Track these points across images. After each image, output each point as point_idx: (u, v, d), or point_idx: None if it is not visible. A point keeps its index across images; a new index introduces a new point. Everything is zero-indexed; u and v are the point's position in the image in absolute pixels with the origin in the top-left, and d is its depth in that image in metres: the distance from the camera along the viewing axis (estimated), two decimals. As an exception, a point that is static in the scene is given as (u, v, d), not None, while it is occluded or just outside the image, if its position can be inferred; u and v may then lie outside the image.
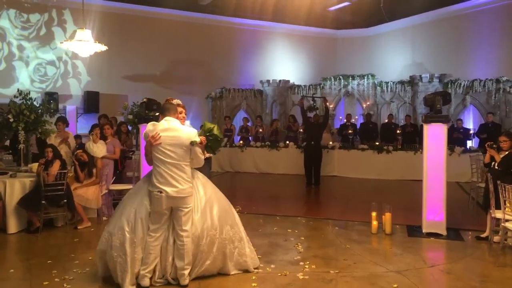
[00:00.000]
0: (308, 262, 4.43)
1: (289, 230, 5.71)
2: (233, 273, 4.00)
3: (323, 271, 4.23)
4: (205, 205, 3.89)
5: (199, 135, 3.84)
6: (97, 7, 11.87)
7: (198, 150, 3.74)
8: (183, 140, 3.71)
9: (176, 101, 4.02)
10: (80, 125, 11.88)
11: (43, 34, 12.23)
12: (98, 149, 6.46)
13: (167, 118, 3.81)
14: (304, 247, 5.01)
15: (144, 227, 3.71)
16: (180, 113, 3.97)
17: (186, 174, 3.74)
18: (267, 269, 4.26)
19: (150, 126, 3.80)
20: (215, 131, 3.89)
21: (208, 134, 3.88)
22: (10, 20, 11.76)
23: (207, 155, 4.12)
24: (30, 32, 12.03)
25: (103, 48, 8.87)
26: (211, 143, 3.89)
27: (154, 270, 3.76)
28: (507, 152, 5.23)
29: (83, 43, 8.57)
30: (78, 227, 5.77)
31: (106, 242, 3.77)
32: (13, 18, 11.80)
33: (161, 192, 3.64)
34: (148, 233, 3.71)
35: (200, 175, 4.04)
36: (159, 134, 3.68)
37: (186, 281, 3.75)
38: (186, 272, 3.74)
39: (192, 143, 3.69)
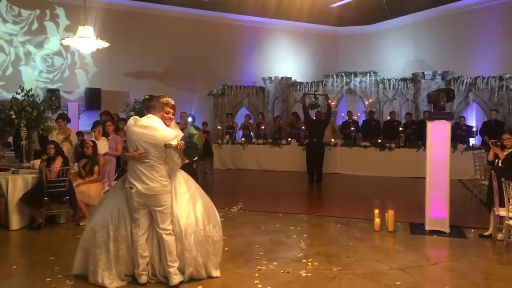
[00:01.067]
0: (310, 260, 4.42)
1: (291, 227, 5.70)
2: (214, 275, 3.88)
3: (326, 268, 4.22)
4: (188, 201, 3.81)
5: (181, 139, 3.69)
6: (99, 3, 11.84)
7: (174, 154, 3.63)
8: (158, 141, 3.60)
9: (166, 100, 3.80)
10: (82, 122, 11.89)
11: (45, 30, 12.23)
12: (100, 145, 6.46)
13: (149, 115, 3.71)
14: (307, 244, 5.00)
15: (127, 225, 3.73)
16: (167, 113, 3.79)
17: (159, 173, 3.65)
18: (270, 266, 4.24)
19: (131, 120, 3.76)
20: (195, 139, 3.70)
21: (188, 140, 3.70)
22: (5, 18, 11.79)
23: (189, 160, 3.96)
24: (22, 26, 12.02)
25: (105, 44, 8.85)
26: (189, 150, 3.72)
27: (151, 267, 3.78)
28: (510, 150, 5.20)
29: (85, 40, 8.54)
30: (81, 224, 5.76)
31: (89, 239, 3.76)
32: (5, 14, 11.81)
33: (131, 188, 3.64)
34: (132, 231, 3.73)
35: (183, 173, 3.94)
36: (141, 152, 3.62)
37: (175, 281, 3.66)
38: (172, 270, 3.66)
39: (166, 146, 3.58)
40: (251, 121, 12.91)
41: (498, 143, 5.36)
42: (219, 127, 12.74)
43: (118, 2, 12.82)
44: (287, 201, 7.78)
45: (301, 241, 5.11)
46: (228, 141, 11.88)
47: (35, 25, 12.16)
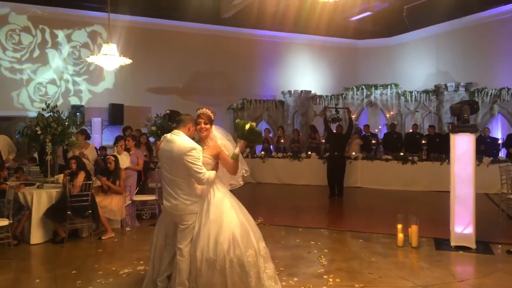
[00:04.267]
0: (332, 276, 4.34)
1: (312, 242, 5.63)
2: None
3: (348, 285, 4.13)
4: (207, 226, 3.47)
5: (239, 137, 3.62)
6: (123, 22, 12.17)
7: (192, 167, 3.39)
8: (174, 154, 3.44)
9: (199, 111, 3.67)
10: (105, 137, 12.12)
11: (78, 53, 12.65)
12: (122, 160, 6.56)
13: (174, 131, 3.59)
14: (328, 259, 4.92)
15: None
16: (198, 124, 3.62)
17: (183, 191, 3.49)
18: (290, 282, 4.19)
19: (162, 138, 3.75)
20: (245, 128, 3.60)
21: (242, 134, 3.60)
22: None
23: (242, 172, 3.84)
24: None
25: (128, 61, 9.06)
26: (251, 141, 3.71)
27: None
28: (539, 163, 5.04)
29: (109, 57, 8.77)
30: (102, 238, 5.83)
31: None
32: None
33: (162, 204, 3.66)
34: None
35: (221, 192, 3.65)
36: (160, 144, 3.65)
37: None
38: None
39: (233, 158, 3.57)
40: (270, 135, 12.92)
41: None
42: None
43: (139, 20, 13.13)
44: (308, 215, 7.70)
45: (322, 256, 5.03)
46: (248, 155, 11.89)
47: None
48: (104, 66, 9.28)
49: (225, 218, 3.49)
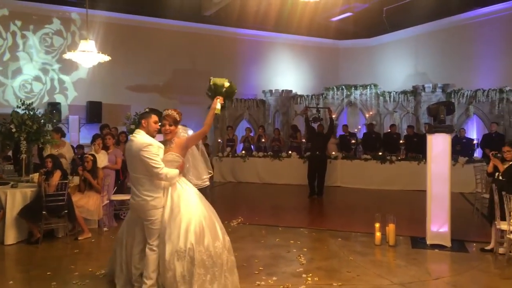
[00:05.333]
0: (310, 274, 4.36)
1: (291, 242, 5.64)
2: None
3: (326, 283, 4.16)
4: (180, 219, 3.54)
5: (219, 95, 3.85)
6: (101, 17, 11.97)
7: (149, 162, 3.47)
8: (133, 151, 3.57)
9: (166, 112, 3.77)
10: (83, 135, 11.91)
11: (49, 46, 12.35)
12: (100, 159, 6.45)
13: (135, 131, 3.71)
14: (307, 258, 4.94)
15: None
16: (163, 125, 3.73)
17: (144, 187, 3.57)
18: (269, 281, 4.19)
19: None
20: (219, 83, 3.91)
21: (219, 91, 3.89)
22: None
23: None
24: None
25: (107, 58, 8.91)
26: (230, 95, 3.94)
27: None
28: (511, 162, 5.18)
29: (87, 54, 8.61)
30: (79, 238, 5.72)
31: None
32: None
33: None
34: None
35: (186, 188, 3.74)
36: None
37: None
38: (144, 286, 3.54)
39: (217, 115, 3.83)
40: (251, 134, 12.92)
41: (498, 155, 5.34)
42: (219, 140, 12.75)
43: (118, 17, 12.95)
44: (288, 215, 7.73)
45: (301, 255, 5.05)
46: (229, 154, 11.87)
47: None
48: (82, 63, 9.10)
49: (194, 211, 3.63)
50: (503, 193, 4.65)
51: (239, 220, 6.85)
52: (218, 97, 3.88)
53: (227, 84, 3.89)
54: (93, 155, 6.35)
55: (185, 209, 3.60)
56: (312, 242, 5.83)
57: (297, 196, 9.69)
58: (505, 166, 5.20)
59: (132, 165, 3.65)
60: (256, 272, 4.45)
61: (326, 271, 4.51)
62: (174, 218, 3.56)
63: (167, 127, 3.74)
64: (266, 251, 5.20)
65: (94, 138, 7.02)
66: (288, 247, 5.41)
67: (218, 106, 3.81)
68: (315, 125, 10.32)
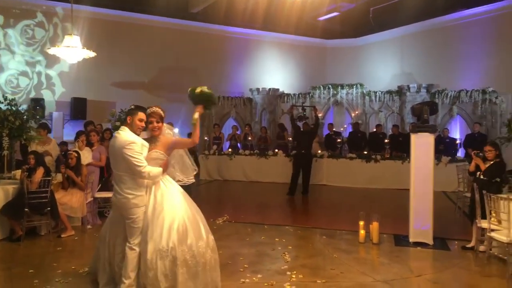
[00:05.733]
0: (295, 272, 4.39)
1: (276, 239, 5.67)
2: None
3: (310, 281, 4.19)
4: (160, 216, 3.52)
5: (196, 103, 3.81)
6: (86, 13, 11.80)
7: (131, 160, 3.44)
8: (116, 148, 3.54)
9: (150, 110, 3.74)
10: (67, 132, 11.73)
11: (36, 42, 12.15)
12: (84, 156, 6.38)
13: (120, 127, 3.68)
14: (292, 256, 4.97)
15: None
16: (150, 123, 3.71)
17: (126, 185, 3.53)
18: (254, 279, 4.20)
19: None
20: (198, 93, 3.80)
21: (197, 99, 3.81)
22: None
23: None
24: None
25: (92, 54, 8.79)
26: (207, 104, 3.86)
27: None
28: (492, 162, 5.28)
29: (71, 49, 8.48)
30: (62, 236, 5.65)
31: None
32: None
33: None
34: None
35: (170, 186, 3.72)
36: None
37: None
38: (123, 285, 3.48)
39: (193, 122, 3.74)
40: (238, 132, 12.91)
41: (480, 154, 5.44)
42: (206, 138, 12.70)
43: (104, 12, 12.79)
44: (273, 213, 7.76)
45: (286, 253, 5.08)
46: (215, 152, 11.85)
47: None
48: (66, 59, 8.97)
49: (178, 210, 3.60)
50: (484, 192, 4.74)
51: (225, 218, 6.86)
52: (198, 106, 3.84)
53: (198, 90, 3.80)
54: (77, 152, 6.28)
55: (168, 208, 3.56)
56: (297, 240, 5.86)
57: (283, 194, 9.70)
58: (487, 165, 5.30)
59: (115, 163, 3.61)
60: (241, 269, 4.47)
61: (310, 269, 4.54)
62: (156, 217, 3.52)
63: (155, 124, 3.73)
64: (251, 249, 5.22)
65: (78, 135, 6.95)
66: (273, 244, 5.44)
67: (196, 115, 3.76)
68: (300, 124, 10.36)
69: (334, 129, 12.26)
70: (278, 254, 5.05)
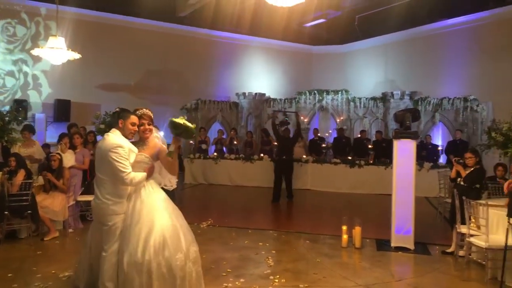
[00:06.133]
0: (278, 276, 4.41)
1: (260, 244, 5.68)
2: None
3: (293, 285, 4.21)
4: (138, 226, 3.38)
5: (176, 134, 3.56)
6: (71, 14, 11.71)
7: (115, 165, 3.34)
8: (102, 151, 3.44)
9: (140, 112, 3.67)
10: (50, 134, 11.57)
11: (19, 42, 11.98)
12: (66, 158, 6.31)
13: (111, 130, 3.60)
14: (275, 261, 4.99)
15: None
16: (141, 125, 3.63)
17: (106, 190, 3.42)
18: (237, 283, 4.21)
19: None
20: (178, 125, 3.55)
21: (176, 132, 3.55)
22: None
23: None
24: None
25: (77, 56, 8.70)
26: (185, 136, 3.65)
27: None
28: (472, 168, 5.39)
29: (56, 51, 8.38)
30: (45, 239, 5.57)
31: None
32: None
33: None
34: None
35: (156, 192, 3.59)
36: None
37: None
38: None
39: (169, 154, 3.52)
40: (224, 136, 12.91)
41: (461, 161, 5.55)
42: (191, 142, 12.66)
43: (89, 14, 12.69)
44: (258, 217, 7.77)
45: (270, 257, 5.09)
46: (200, 156, 11.82)
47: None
48: (51, 60, 8.86)
49: (157, 220, 3.42)
50: (464, 198, 4.84)
51: (209, 222, 6.84)
52: (175, 137, 3.59)
53: (185, 123, 3.58)
54: (60, 154, 6.20)
55: (147, 218, 3.41)
56: (280, 244, 5.88)
57: (267, 198, 9.71)
58: (467, 172, 5.42)
59: (99, 165, 3.51)
60: (224, 274, 4.46)
61: (293, 273, 4.56)
62: (133, 227, 3.38)
63: (147, 126, 3.66)
64: (235, 253, 5.22)
65: (61, 137, 6.85)
66: (256, 249, 5.45)
67: (171, 148, 3.55)
68: (283, 129, 10.39)
69: (319, 134, 12.35)
70: (262, 259, 5.06)
